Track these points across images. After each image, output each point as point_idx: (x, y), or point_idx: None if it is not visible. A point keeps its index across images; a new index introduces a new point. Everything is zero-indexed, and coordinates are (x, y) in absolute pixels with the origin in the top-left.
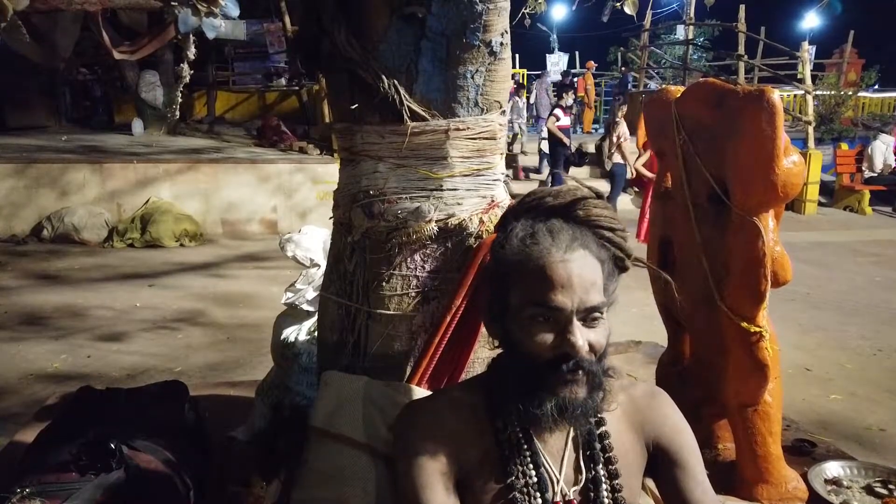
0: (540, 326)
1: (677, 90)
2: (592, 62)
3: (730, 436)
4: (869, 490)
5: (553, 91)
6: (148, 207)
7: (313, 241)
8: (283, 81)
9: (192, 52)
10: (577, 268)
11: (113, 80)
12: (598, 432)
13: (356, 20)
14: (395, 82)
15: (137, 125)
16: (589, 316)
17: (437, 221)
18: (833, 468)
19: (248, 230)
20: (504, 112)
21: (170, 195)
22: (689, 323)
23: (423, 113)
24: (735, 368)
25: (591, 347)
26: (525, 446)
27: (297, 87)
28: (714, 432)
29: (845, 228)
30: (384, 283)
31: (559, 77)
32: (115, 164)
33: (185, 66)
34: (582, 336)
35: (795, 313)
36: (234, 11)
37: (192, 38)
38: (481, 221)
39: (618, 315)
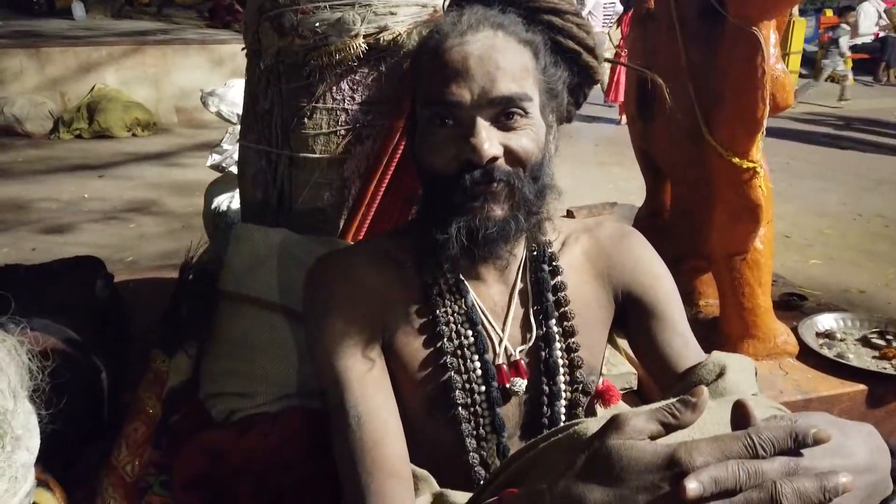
0: (439, 131)
1: None
2: None
3: (713, 291)
4: (865, 341)
5: None
6: (94, 95)
7: (239, 94)
8: None
9: None
10: (478, 50)
11: None
12: (551, 282)
13: None
14: None
15: (78, 9)
16: (503, 113)
17: (365, 37)
18: (826, 320)
19: (204, 118)
20: None
21: (116, 81)
22: (671, 166)
23: None
24: (723, 212)
25: (511, 155)
26: (459, 300)
27: None
28: (696, 288)
29: (826, 99)
30: (306, 120)
31: None
32: (54, 48)
33: None
34: (490, 137)
35: (774, 182)
36: None
37: None
38: (421, 36)
39: (594, 190)
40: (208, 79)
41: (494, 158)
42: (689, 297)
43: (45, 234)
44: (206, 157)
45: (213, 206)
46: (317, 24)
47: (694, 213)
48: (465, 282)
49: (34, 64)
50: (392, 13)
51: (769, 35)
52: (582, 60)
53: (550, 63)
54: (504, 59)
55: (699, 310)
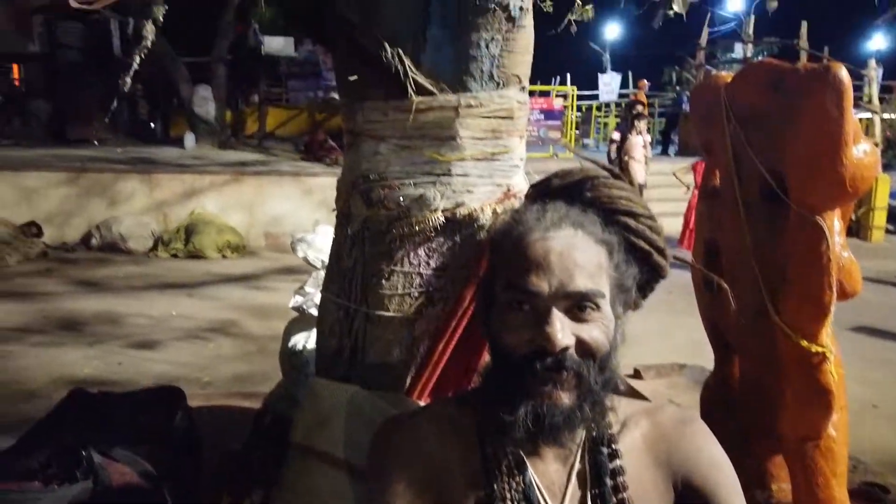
0: (516, 315)
1: (728, 76)
2: (645, 81)
3: (786, 475)
4: None
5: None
6: (193, 218)
7: (327, 242)
8: (335, 98)
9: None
10: (559, 245)
11: (169, 95)
12: (610, 466)
13: None
14: (400, 51)
15: (189, 139)
16: (577, 306)
17: (443, 211)
18: None
19: (289, 244)
20: (524, 88)
21: (215, 207)
22: (739, 341)
23: (430, 87)
24: (793, 395)
25: (582, 346)
26: (517, 476)
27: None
28: (767, 470)
29: None
30: (384, 281)
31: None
32: (163, 174)
33: (150, 26)
34: (563, 328)
35: (859, 345)
36: None
37: None
38: (495, 213)
39: (665, 341)
40: (298, 207)
41: (566, 348)
42: (761, 480)
43: (132, 348)
44: (288, 281)
45: (289, 345)
46: (401, 198)
47: (763, 390)
48: (525, 458)
49: (145, 187)
50: (469, 191)
51: (833, 224)
52: (652, 260)
53: (623, 261)
54: (582, 256)
55: (771, 494)
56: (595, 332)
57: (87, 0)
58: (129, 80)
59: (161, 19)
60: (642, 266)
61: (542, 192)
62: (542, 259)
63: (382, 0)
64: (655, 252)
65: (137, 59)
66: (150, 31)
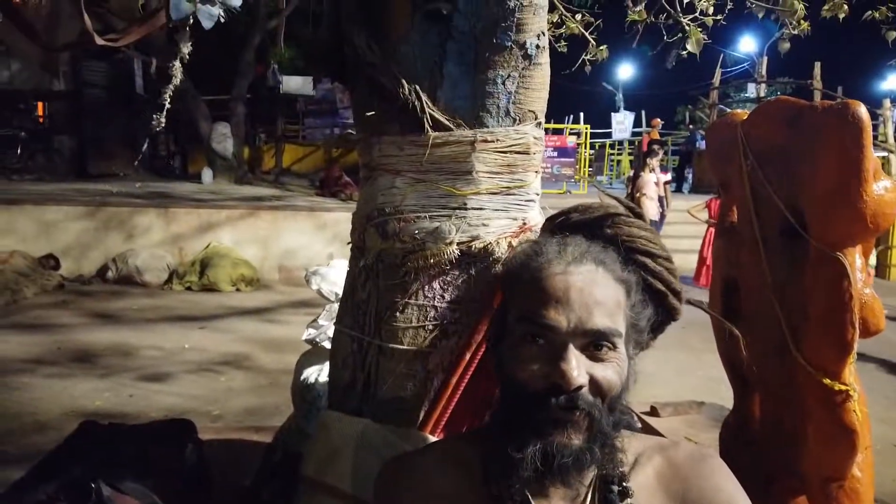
0: (530, 349)
1: (744, 113)
2: (658, 119)
3: None
4: None
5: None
6: (208, 252)
7: (340, 275)
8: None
9: (186, 49)
10: (580, 282)
11: (188, 132)
12: None
13: (377, 20)
14: (417, 88)
15: (207, 174)
16: (594, 344)
17: (458, 244)
18: None
19: (303, 277)
20: (540, 124)
21: (230, 240)
22: (759, 379)
23: (446, 122)
24: (816, 434)
25: (596, 385)
26: None
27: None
28: None
29: None
30: (398, 314)
31: (624, 135)
32: (180, 209)
33: (178, 65)
34: (579, 366)
35: (882, 384)
36: (236, 1)
37: (187, 31)
38: (510, 246)
39: (681, 379)
40: (312, 241)
41: (580, 387)
42: None
43: (144, 380)
44: (301, 314)
45: (301, 378)
46: (416, 232)
47: (785, 429)
48: (531, 497)
49: (161, 221)
50: (484, 224)
51: (854, 260)
52: (667, 302)
53: (639, 301)
54: (602, 294)
55: None
56: (609, 371)
57: (112, 38)
58: (162, 119)
59: (187, 57)
60: (657, 307)
61: (561, 225)
62: (562, 293)
63: (401, 38)
64: (671, 294)
65: (168, 98)
66: (178, 69)
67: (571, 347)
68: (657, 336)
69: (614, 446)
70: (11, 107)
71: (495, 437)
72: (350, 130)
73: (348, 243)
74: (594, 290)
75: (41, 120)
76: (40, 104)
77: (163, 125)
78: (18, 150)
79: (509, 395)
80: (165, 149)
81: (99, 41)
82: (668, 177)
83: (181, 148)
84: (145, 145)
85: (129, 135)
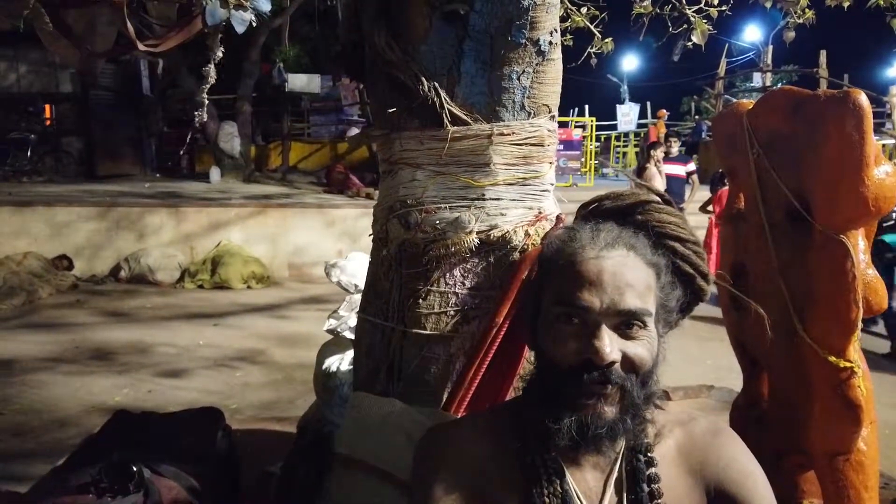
0: (565, 328)
1: (749, 103)
2: (664, 111)
3: (817, 490)
4: None
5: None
6: (219, 250)
7: (359, 267)
8: (355, 132)
9: (219, 53)
10: (613, 265)
11: (195, 131)
12: (646, 473)
13: (396, 22)
14: (436, 84)
15: (215, 173)
16: (625, 323)
17: (478, 233)
18: None
19: (313, 273)
20: (553, 117)
21: (240, 239)
22: (768, 359)
23: (464, 117)
24: (822, 410)
25: (628, 361)
26: (555, 483)
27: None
28: (798, 485)
29: None
30: (420, 301)
31: (629, 127)
32: (189, 208)
33: (211, 68)
34: (612, 343)
35: (887, 369)
36: (265, 6)
37: (219, 36)
38: (527, 234)
39: (691, 367)
40: (321, 238)
41: (613, 362)
42: (792, 496)
43: (161, 377)
44: (312, 310)
45: (323, 367)
46: (437, 222)
47: (793, 407)
48: (564, 465)
49: (172, 221)
50: (502, 214)
51: (857, 243)
52: (695, 284)
53: (668, 283)
54: (633, 276)
55: None
56: (640, 348)
57: (152, 43)
58: (205, 115)
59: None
60: (686, 289)
61: (594, 212)
62: (595, 276)
63: (420, 38)
64: (699, 276)
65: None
66: (212, 71)
67: (604, 326)
68: (685, 316)
69: (644, 418)
70: (20, 110)
71: (530, 409)
72: (354, 128)
73: (370, 235)
74: (625, 272)
75: (49, 122)
76: (48, 106)
77: (204, 119)
78: (28, 153)
79: (545, 371)
80: (185, 147)
81: (141, 47)
82: (693, 167)
83: (188, 148)
84: (185, 147)
85: (136, 136)
